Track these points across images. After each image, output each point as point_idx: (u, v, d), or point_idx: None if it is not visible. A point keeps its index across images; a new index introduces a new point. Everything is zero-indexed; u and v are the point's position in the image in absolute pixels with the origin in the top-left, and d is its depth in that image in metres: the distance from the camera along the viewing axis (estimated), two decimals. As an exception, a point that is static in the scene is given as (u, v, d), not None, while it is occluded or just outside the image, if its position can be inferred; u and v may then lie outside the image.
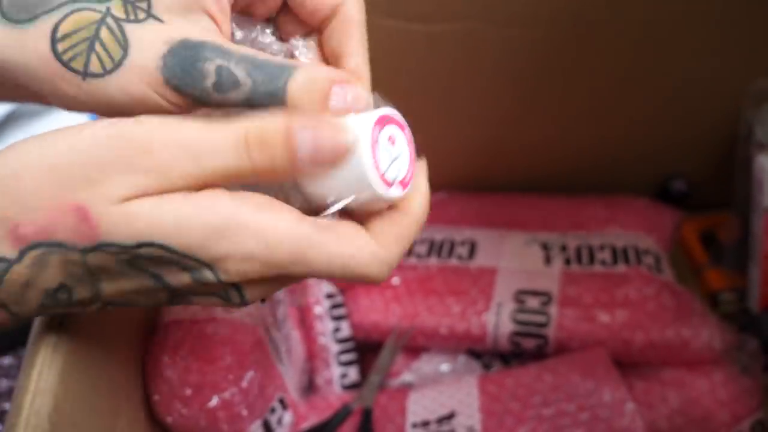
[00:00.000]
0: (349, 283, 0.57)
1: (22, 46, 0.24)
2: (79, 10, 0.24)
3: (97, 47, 0.24)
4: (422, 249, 0.59)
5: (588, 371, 0.47)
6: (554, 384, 0.47)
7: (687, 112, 0.58)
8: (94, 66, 0.24)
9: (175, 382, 0.36)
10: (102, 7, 0.24)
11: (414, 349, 0.55)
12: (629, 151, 0.61)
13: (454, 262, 0.57)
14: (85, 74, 0.24)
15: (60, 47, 0.24)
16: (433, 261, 0.58)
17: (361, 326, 0.55)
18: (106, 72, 0.24)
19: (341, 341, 0.54)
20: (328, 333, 0.54)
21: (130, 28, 0.24)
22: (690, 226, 0.63)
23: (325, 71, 0.25)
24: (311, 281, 0.55)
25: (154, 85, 0.24)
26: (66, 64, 0.24)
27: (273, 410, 0.43)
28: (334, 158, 0.23)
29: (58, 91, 0.24)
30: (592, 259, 0.55)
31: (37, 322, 0.32)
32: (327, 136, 0.23)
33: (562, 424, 0.44)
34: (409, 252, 0.59)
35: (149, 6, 0.24)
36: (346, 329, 0.55)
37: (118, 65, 0.24)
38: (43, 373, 0.29)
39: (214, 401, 0.37)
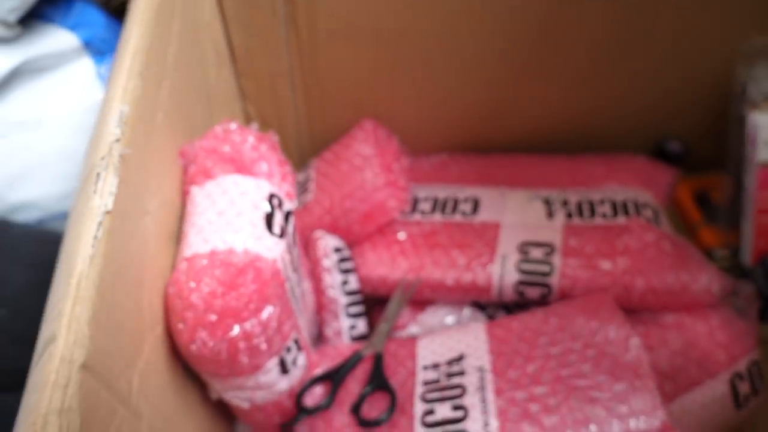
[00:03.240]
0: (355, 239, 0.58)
1: None
2: None
3: None
4: (426, 206, 0.60)
5: (592, 313, 0.48)
6: (560, 325, 0.48)
7: (681, 72, 0.60)
8: None
9: (200, 307, 0.37)
10: None
11: (419, 302, 0.57)
12: (626, 111, 0.63)
13: (458, 218, 0.58)
14: None
15: None
16: (438, 217, 0.59)
17: (368, 280, 0.56)
18: None
19: (350, 293, 0.55)
20: (337, 285, 0.55)
21: None
22: (684, 186, 0.65)
23: None
24: (318, 234, 0.56)
25: None
26: None
27: (289, 349, 0.44)
28: None
29: None
30: (593, 212, 0.56)
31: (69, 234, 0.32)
32: None
33: (570, 360, 0.45)
34: (414, 209, 0.60)
35: None
36: (354, 282, 0.56)
37: None
38: (82, 282, 0.30)
39: (235, 330, 0.38)
